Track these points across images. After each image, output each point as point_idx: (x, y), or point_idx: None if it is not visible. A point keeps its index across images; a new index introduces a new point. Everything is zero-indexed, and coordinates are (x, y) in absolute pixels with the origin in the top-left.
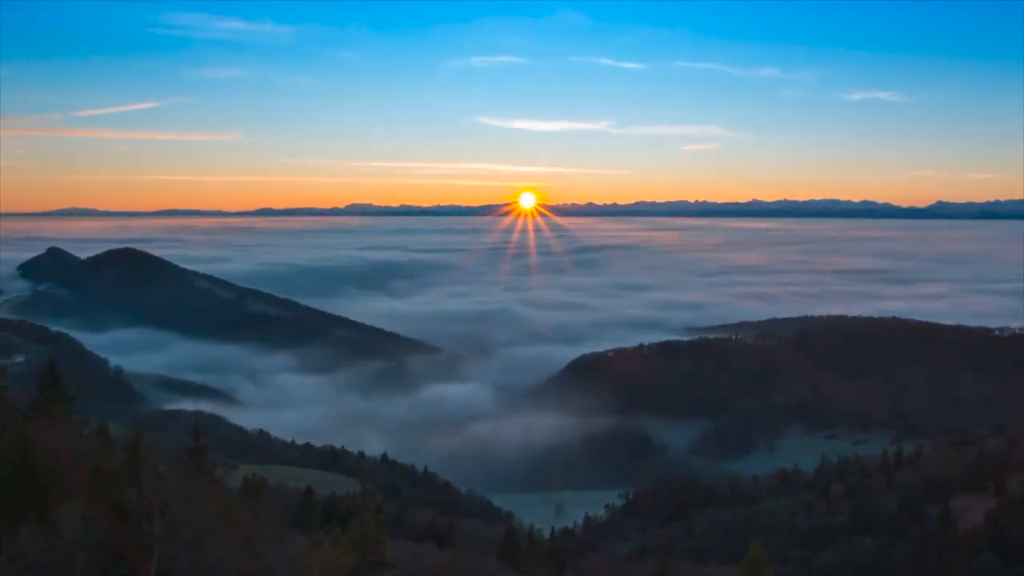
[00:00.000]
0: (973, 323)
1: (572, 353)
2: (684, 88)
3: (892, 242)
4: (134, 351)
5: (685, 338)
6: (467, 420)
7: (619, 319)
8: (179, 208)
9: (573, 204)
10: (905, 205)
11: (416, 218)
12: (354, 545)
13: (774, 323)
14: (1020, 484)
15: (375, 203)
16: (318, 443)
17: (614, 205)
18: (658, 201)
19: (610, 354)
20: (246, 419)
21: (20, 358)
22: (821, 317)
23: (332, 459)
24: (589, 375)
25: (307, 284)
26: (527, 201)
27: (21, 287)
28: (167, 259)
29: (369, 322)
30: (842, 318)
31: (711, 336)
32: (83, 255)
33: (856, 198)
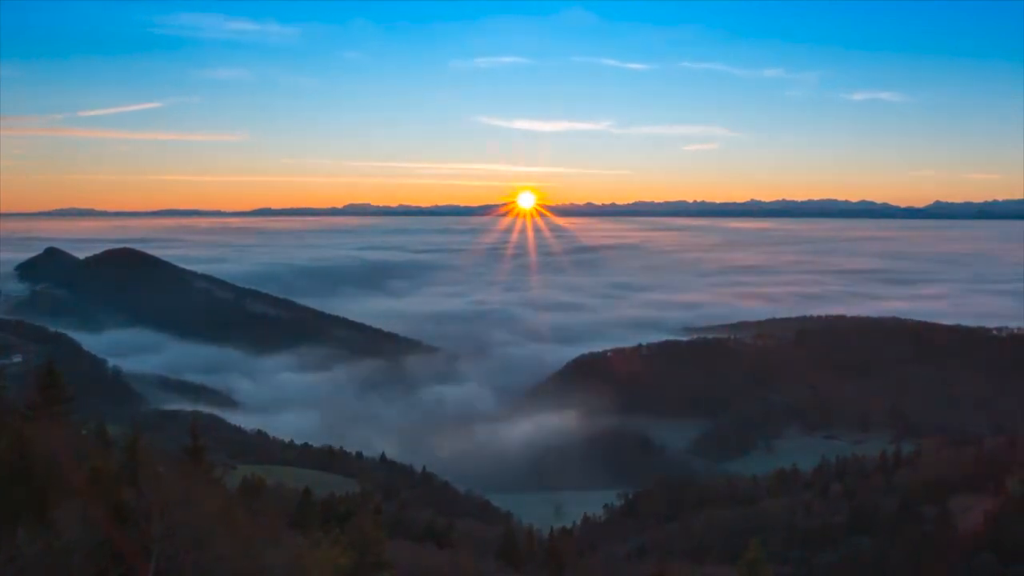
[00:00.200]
0: (972, 323)
1: (571, 353)
2: (687, 88)
3: (890, 242)
4: (132, 351)
5: (684, 338)
6: (466, 420)
7: (618, 319)
8: (178, 208)
9: (572, 204)
10: (903, 205)
11: (415, 218)
12: (353, 545)
13: (773, 323)
14: (1019, 484)
15: (373, 203)
16: (316, 443)
17: (613, 205)
18: (657, 201)
19: (609, 354)
20: (244, 419)
21: (18, 358)
22: (820, 317)
23: (331, 459)
24: (588, 375)
25: (305, 284)
26: (526, 201)
27: (19, 287)
28: (165, 259)
29: (367, 322)
30: (841, 318)
31: (710, 336)
32: (81, 255)
33: (854, 198)
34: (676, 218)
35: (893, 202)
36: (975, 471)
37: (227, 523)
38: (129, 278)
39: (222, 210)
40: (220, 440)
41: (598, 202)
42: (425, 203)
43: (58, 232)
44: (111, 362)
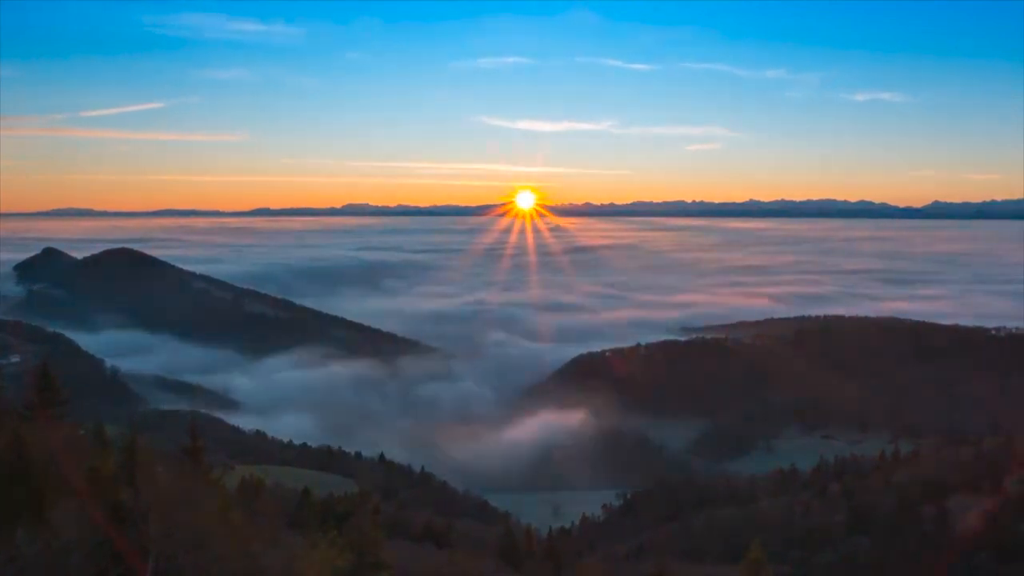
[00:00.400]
0: (970, 323)
1: (569, 353)
2: (689, 89)
3: (889, 242)
4: (130, 351)
5: (682, 338)
6: (464, 420)
7: (616, 319)
8: (176, 208)
9: (571, 204)
10: (902, 205)
11: (413, 218)
12: (351, 546)
13: (771, 323)
14: (1018, 484)
15: (372, 203)
16: (315, 443)
17: (611, 205)
18: (655, 201)
19: (607, 354)
20: (243, 420)
21: (15, 358)
22: (818, 317)
23: (329, 459)
24: (586, 375)
25: (303, 284)
26: (525, 201)
27: (17, 287)
28: (163, 259)
29: (365, 322)
30: (839, 318)
31: (708, 336)
32: (79, 255)
33: (853, 198)
34: (675, 218)
35: (892, 202)
36: (974, 471)
37: (225, 523)
38: (127, 278)
39: (221, 210)
40: (218, 440)
41: (597, 202)
42: (424, 203)
43: (56, 232)
44: (109, 362)
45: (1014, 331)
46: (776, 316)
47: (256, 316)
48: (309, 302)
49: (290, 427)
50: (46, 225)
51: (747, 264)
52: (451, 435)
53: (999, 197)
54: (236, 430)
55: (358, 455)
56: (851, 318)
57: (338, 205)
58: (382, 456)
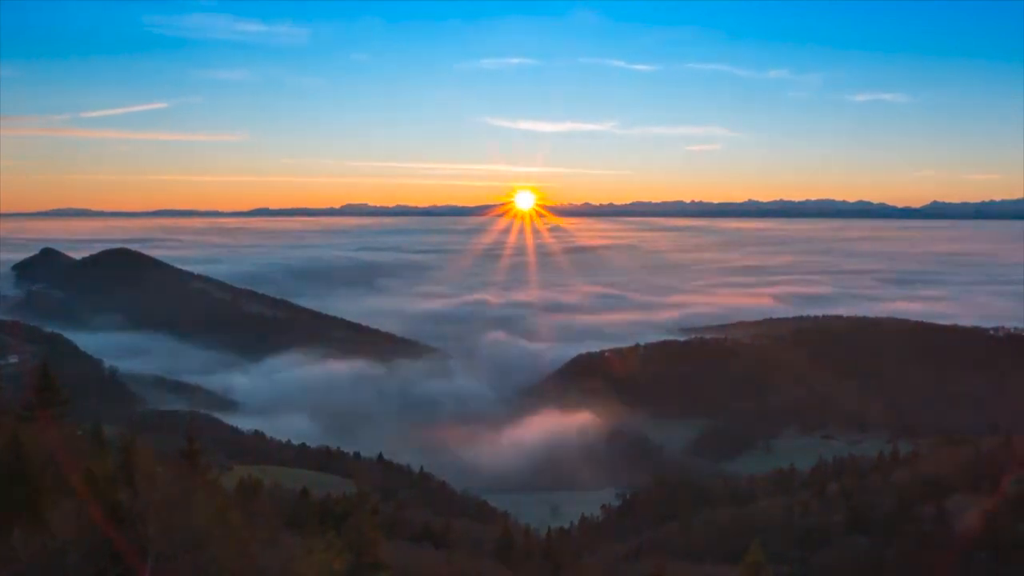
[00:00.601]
0: (968, 323)
1: (568, 353)
2: (692, 89)
3: (887, 242)
4: (128, 352)
5: (681, 338)
6: (463, 420)
7: (615, 319)
8: (174, 208)
9: (570, 204)
10: (901, 205)
11: (412, 218)
12: (349, 546)
13: (770, 323)
14: (1016, 483)
15: (371, 203)
16: (313, 444)
17: (610, 205)
18: (654, 201)
19: (606, 354)
20: (241, 420)
21: (13, 359)
22: (817, 317)
23: (327, 460)
24: (585, 375)
25: (301, 284)
26: (524, 201)
27: (15, 287)
28: (162, 259)
29: (364, 322)
30: (838, 318)
31: (707, 336)
32: (77, 255)
33: (852, 198)
34: (674, 219)
35: (890, 202)
36: (972, 471)
37: (223, 524)
38: (125, 278)
39: (219, 210)
40: (217, 441)
41: (596, 202)
42: (423, 203)
43: (54, 232)
44: (107, 362)
45: (1012, 331)
46: (775, 316)
47: (254, 316)
48: (307, 302)
49: (288, 427)
50: (44, 225)
51: (746, 264)
52: (450, 435)
53: (997, 197)
54: (234, 430)
55: (356, 455)
56: (850, 318)
57: (337, 205)
58: (380, 456)
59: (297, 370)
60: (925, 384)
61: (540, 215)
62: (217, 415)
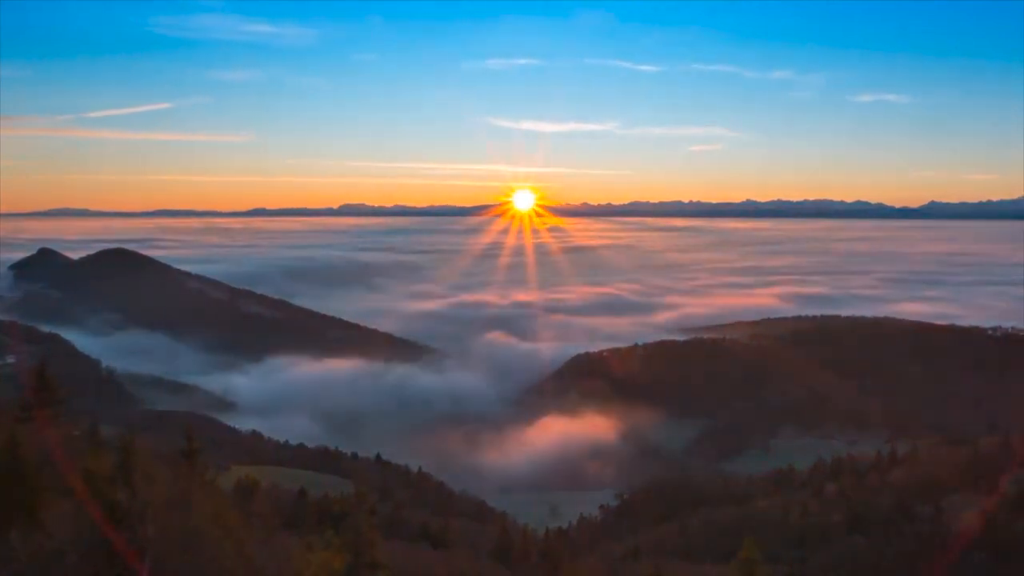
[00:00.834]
0: (966, 323)
1: (566, 353)
2: (696, 90)
3: (886, 242)
4: (126, 352)
5: (680, 338)
6: (461, 420)
7: (613, 318)
8: (172, 208)
9: (568, 204)
10: (899, 205)
11: (411, 218)
12: (347, 546)
13: (768, 323)
14: (1014, 483)
15: (369, 203)
16: (311, 444)
17: (608, 205)
18: (652, 201)
19: (604, 354)
20: (239, 420)
21: (11, 359)
22: (815, 317)
23: (325, 460)
24: (584, 375)
25: (299, 284)
26: (522, 201)
27: (12, 287)
28: (159, 259)
29: (361, 322)
30: (836, 318)
31: (705, 336)
32: (75, 255)
33: (850, 198)
34: (672, 219)
35: (888, 202)
36: (971, 471)
37: (221, 524)
38: (123, 278)
39: (217, 210)
40: (214, 441)
41: (594, 202)
42: (421, 203)
43: (51, 232)
44: (105, 363)
45: (1010, 331)
46: (773, 316)
47: (252, 316)
48: (305, 302)
49: (286, 428)
50: (42, 225)
51: (744, 264)
52: (448, 435)
53: (995, 197)
54: (232, 431)
55: (354, 455)
56: (848, 318)
57: (335, 205)
58: (378, 456)
59: (295, 370)
60: (923, 384)
61: (539, 215)
62: (215, 415)
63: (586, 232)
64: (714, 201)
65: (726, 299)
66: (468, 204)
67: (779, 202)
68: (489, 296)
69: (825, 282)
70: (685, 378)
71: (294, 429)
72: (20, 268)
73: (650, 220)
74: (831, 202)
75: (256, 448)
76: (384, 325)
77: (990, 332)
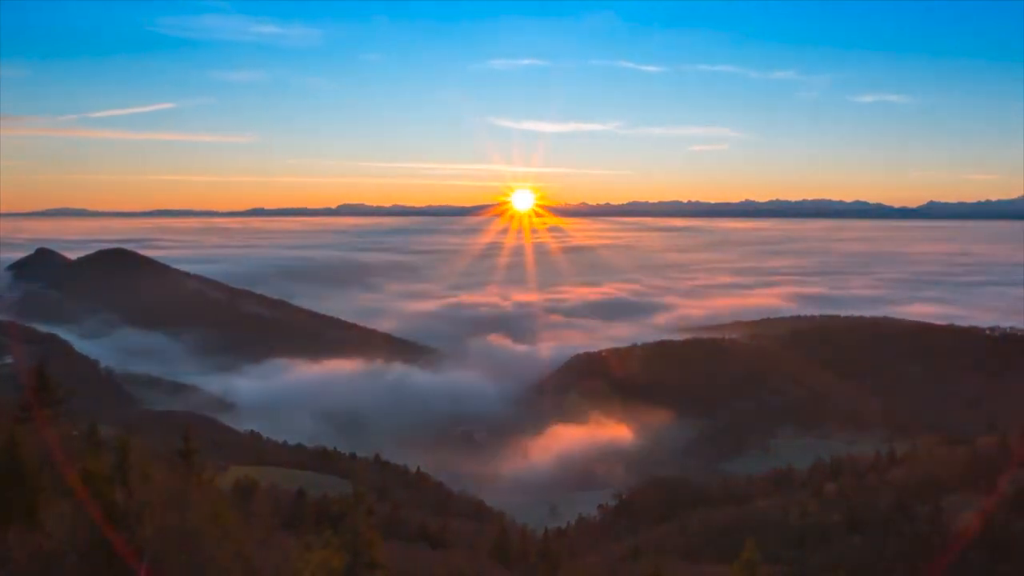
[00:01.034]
0: (965, 323)
1: (565, 353)
2: (699, 90)
3: (884, 242)
4: (124, 352)
5: (678, 338)
6: (459, 420)
7: (611, 319)
8: (170, 208)
9: (566, 204)
10: (897, 205)
11: (410, 218)
12: (346, 546)
13: (767, 323)
14: (1012, 483)
15: (368, 203)
16: (310, 444)
17: (607, 205)
18: (652, 201)
19: (603, 354)
20: (237, 420)
21: (9, 359)
22: (814, 317)
23: (324, 460)
24: (582, 375)
25: (297, 285)
26: (520, 201)
27: (10, 288)
28: (158, 259)
29: (360, 322)
30: (834, 318)
31: (704, 336)
32: (73, 255)
33: (848, 198)
34: (671, 219)
35: (887, 202)
36: (969, 470)
37: (219, 524)
38: (121, 278)
39: (216, 210)
40: (213, 441)
41: (592, 202)
42: (420, 203)
43: (49, 232)
44: (103, 363)
45: (1008, 331)
46: (773, 316)
47: (251, 316)
48: (304, 302)
49: (285, 427)
50: (39, 225)
51: (743, 264)
52: (447, 435)
53: (994, 197)
54: (230, 431)
55: (353, 456)
56: (847, 318)
57: (333, 205)
58: (377, 457)
59: (293, 370)
60: (922, 384)
61: (538, 215)
62: (213, 415)
63: (585, 232)
64: (713, 201)
65: (725, 299)
66: (467, 204)
67: (778, 202)
68: (488, 296)
69: (824, 282)
70: (684, 378)
71: (293, 429)
72: (18, 268)
73: (649, 220)
74: (830, 202)
75: (254, 448)
76: (383, 325)
77: (989, 332)
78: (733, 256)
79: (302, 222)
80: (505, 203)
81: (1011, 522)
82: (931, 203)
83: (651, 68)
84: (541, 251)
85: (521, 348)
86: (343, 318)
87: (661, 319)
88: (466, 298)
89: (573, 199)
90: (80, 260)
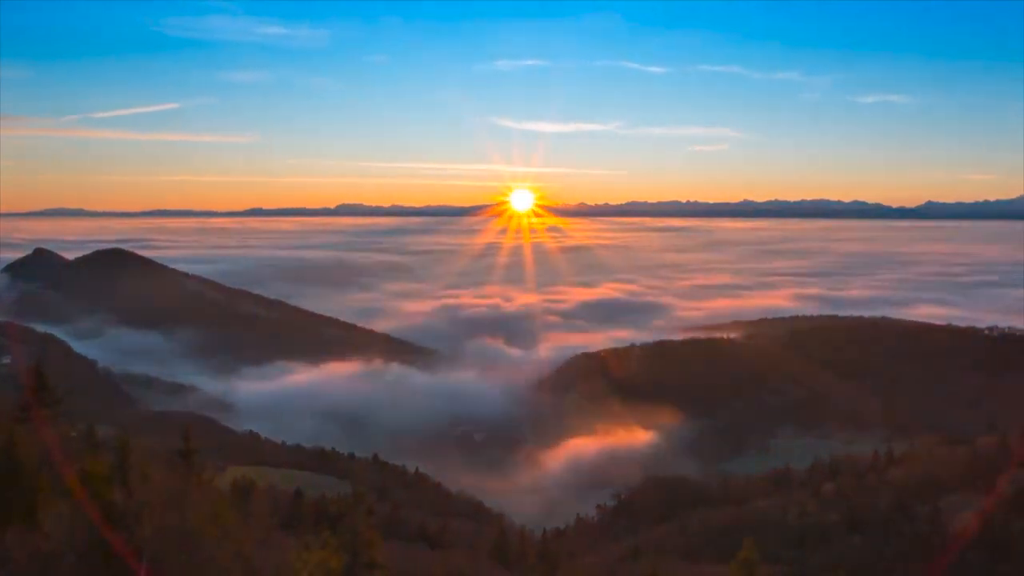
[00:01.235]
0: (964, 323)
1: (564, 353)
2: (702, 91)
3: (883, 242)
4: (122, 352)
5: (677, 337)
6: (458, 420)
7: (610, 319)
8: (169, 208)
9: (564, 205)
10: (895, 205)
11: (408, 218)
12: (345, 546)
13: (766, 323)
14: (1012, 483)
15: (366, 203)
16: (309, 444)
17: (605, 205)
18: (650, 201)
19: (602, 354)
20: (236, 420)
21: (7, 360)
22: (812, 317)
23: (322, 461)
24: (581, 375)
25: (296, 285)
26: (519, 201)
27: (8, 288)
28: (156, 259)
29: (359, 323)
30: (833, 318)
31: (703, 336)
32: (70, 255)
33: (847, 198)
34: (669, 219)
35: (885, 202)
36: (968, 470)
37: (218, 525)
38: (119, 279)
39: (215, 210)
40: (211, 441)
41: (591, 202)
42: (418, 203)
43: (47, 232)
44: (101, 363)
45: (1007, 331)
46: (772, 316)
47: (249, 316)
48: (302, 302)
49: (284, 428)
50: (37, 225)
51: (742, 264)
52: (445, 436)
53: (992, 197)
54: (229, 431)
55: (352, 456)
56: (845, 318)
57: (331, 205)
58: (376, 457)
59: (292, 371)
60: (921, 384)
61: (537, 215)
62: (211, 415)
63: (584, 232)
64: (711, 201)
65: (724, 299)
66: (466, 204)
67: (777, 202)
68: (486, 296)
69: (823, 282)
70: (684, 378)
71: (291, 429)
72: (16, 268)
73: (647, 220)
74: (829, 202)
75: (253, 448)
76: (381, 325)
77: (988, 332)
78: (732, 256)
79: (300, 222)
80: (504, 203)
81: (1010, 522)
82: (929, 203)
83: (654, 69)
84: (540, 251)
85: (520, 349)
86: (341, 318)
87: (661, 319)
88: (465, 298)
89: (572, 199)
90: (78, 260)
